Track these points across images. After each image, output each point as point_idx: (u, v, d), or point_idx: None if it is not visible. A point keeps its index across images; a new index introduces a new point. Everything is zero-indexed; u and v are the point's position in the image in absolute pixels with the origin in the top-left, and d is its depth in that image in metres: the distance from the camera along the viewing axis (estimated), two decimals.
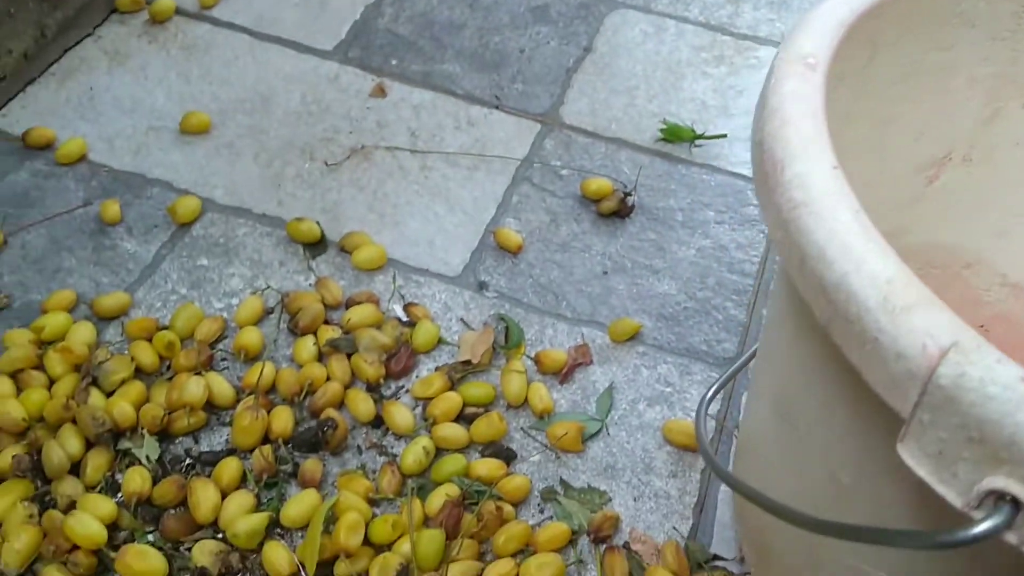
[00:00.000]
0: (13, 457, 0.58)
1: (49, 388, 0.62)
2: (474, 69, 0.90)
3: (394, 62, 0.90)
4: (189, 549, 0.56)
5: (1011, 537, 0.31)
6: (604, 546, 0.59)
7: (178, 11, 0.91)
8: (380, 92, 0.87)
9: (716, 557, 0.59)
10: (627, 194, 0.79)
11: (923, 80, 0.53)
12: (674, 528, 0.60)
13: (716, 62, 0.93)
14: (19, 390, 0.62)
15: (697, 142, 0.85)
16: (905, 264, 0.33)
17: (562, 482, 0.62)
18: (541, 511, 0.61)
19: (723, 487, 0.63)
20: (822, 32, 0.43)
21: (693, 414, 0.67)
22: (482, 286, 0.73)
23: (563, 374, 0.67)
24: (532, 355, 0.68)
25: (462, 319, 0.70)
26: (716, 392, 0.56)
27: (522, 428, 0.65)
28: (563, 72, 0.91)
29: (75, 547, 0.55)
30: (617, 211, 0.78)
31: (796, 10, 0.99)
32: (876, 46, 0.49)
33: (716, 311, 0.73)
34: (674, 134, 0.85)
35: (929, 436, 0.32)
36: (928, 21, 0.50)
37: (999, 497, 0.31)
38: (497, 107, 0.87)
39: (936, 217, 0.60)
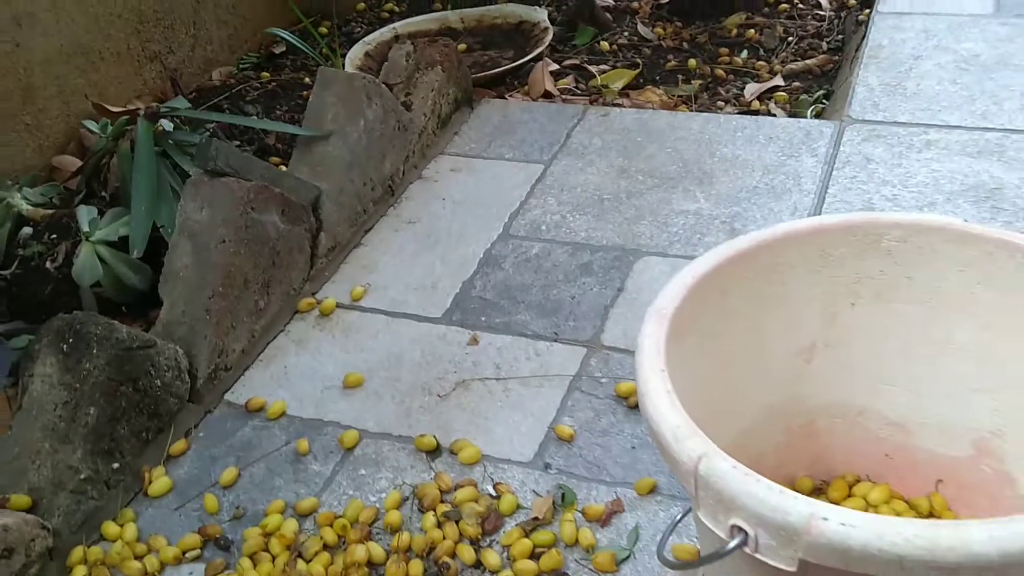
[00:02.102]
0: None
1: (272, 561, 0.98)
2: (539, 315, 1.27)
3: (483, 319, 1.28)
4: None
5: (747, 549, 0.61)
6: None
7: (338, 305, 1.34)
8: (474, 341, 1.24)
9: None
10: None
11: (772, 302, 0.85)
12: None
13: None
14: (254, 564, 0.98)
15: None
16: (688, 417, 0.65)
17: None
18: None
19: None
20: (673, 293, 0.77)
21: (695, 539, 0.95)
22: (547, 466, 1.06)
23: (603, 520, 0.98)
24: (581, 509, 1.00)
25: (533, 490, 1.03)
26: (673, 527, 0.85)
27: (575, 559, 0.95)
28: (602, 309, 1.26)
29: None
30: None
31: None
32: (726, 290, 0.81)
33: None
34: None
35: (704, 502, 0.63)
36: (761, 270, 0.83)
37: (738, 529, 0.61)
38: (556, 340, 1.23)
39: (823, 385, 0.90)
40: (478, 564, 0.96)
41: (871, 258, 0.83)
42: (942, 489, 0.90)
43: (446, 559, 0.95)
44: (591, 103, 1.77)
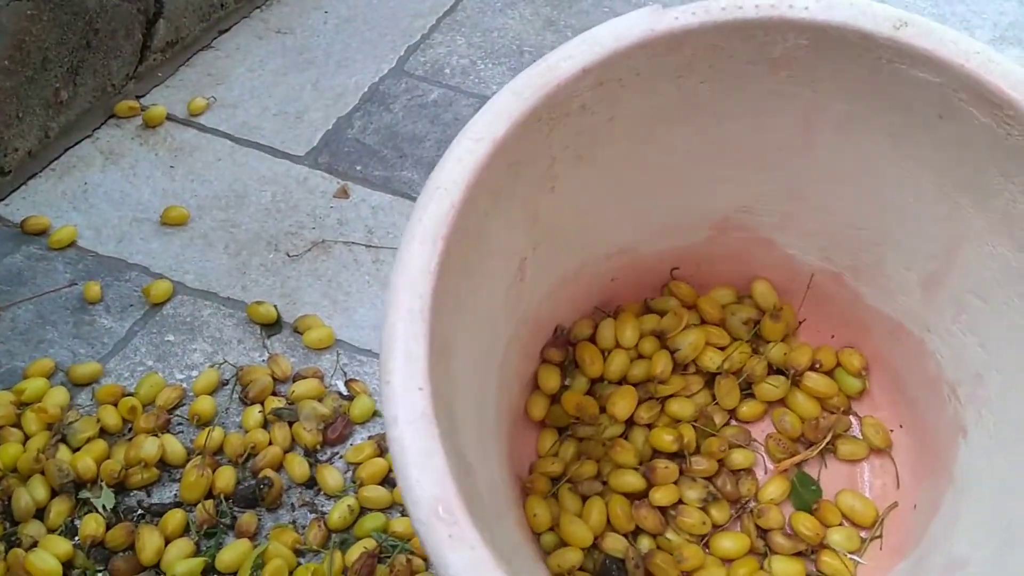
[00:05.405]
0: None
1: (24, 443, 0.70)
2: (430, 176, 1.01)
3: (359, 168, 1.01)
4: None
5: None
6: None
7: (169, 117, 1.03)
8: (344, 194, 0.97)
9: None
10: None
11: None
12: None
13: None
14: None
15: None
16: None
17: None
18: None
19: None
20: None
21: None
22: None
23: None
24: None
25: None
26: None
27: None
28: None
29: None
30: None
31: None
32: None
33: None
34: None
35: None
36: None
37: None
38: None
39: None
40: (311, 483, 0.72)
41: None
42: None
43: (269, 472, 0.71)
44: None
